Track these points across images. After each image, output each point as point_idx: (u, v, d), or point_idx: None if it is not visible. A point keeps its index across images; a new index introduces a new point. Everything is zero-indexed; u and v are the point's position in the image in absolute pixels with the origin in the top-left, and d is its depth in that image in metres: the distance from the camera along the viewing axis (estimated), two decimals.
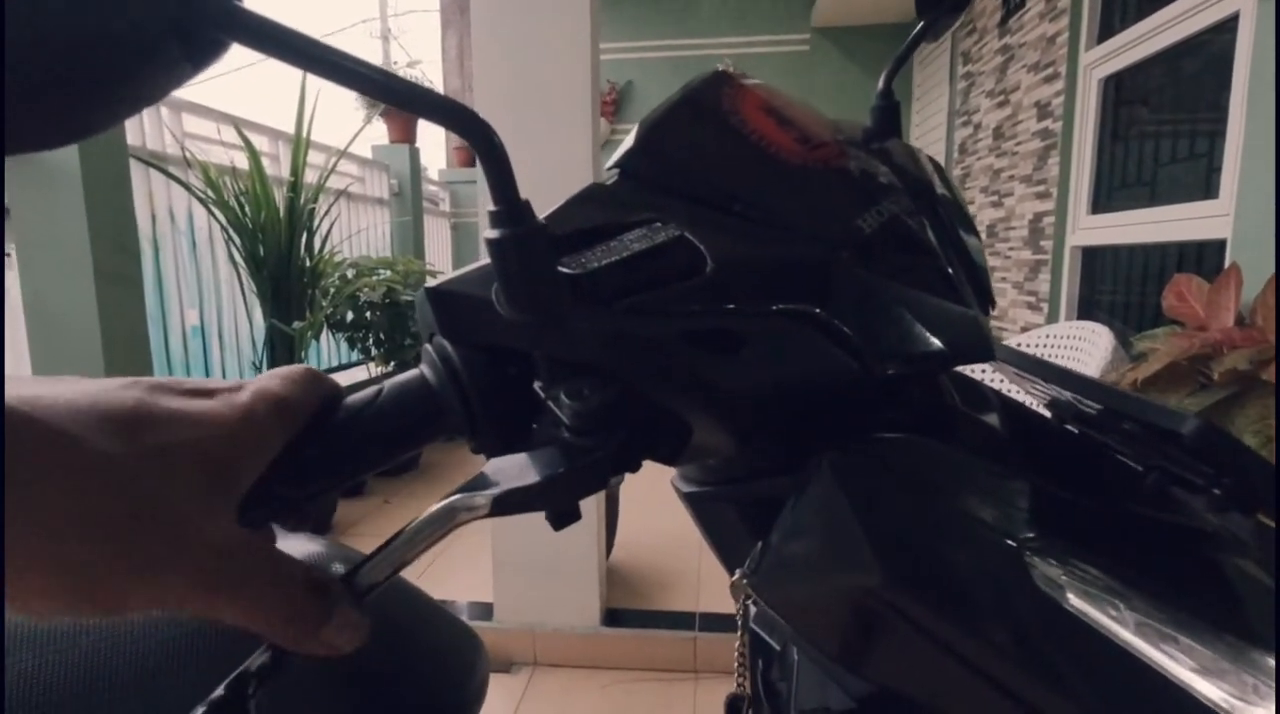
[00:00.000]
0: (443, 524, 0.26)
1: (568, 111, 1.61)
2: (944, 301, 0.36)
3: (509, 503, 0.26)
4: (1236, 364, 1.38)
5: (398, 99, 0.22)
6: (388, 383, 0.30)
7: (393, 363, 3.03)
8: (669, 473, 0.44)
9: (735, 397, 0.30)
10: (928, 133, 4.50)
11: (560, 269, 0.27)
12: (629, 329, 0.28)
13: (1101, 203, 2.48)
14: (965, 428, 0.39)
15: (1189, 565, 0.38)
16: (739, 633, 0.40)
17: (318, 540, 0.55)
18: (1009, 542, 0.29)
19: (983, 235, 3.43)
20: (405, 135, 4.62)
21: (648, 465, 0.32)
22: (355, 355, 3.56)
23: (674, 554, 2.30)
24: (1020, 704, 0.28)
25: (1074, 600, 0.29)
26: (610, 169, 0.34)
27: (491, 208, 0.24)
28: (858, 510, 0.27)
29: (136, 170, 2.30)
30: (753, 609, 0.44)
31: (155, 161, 2.48)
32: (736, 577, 0.39)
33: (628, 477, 0.32)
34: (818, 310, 0.30)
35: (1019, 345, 2.23)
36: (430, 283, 0.31)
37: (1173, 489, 0.40)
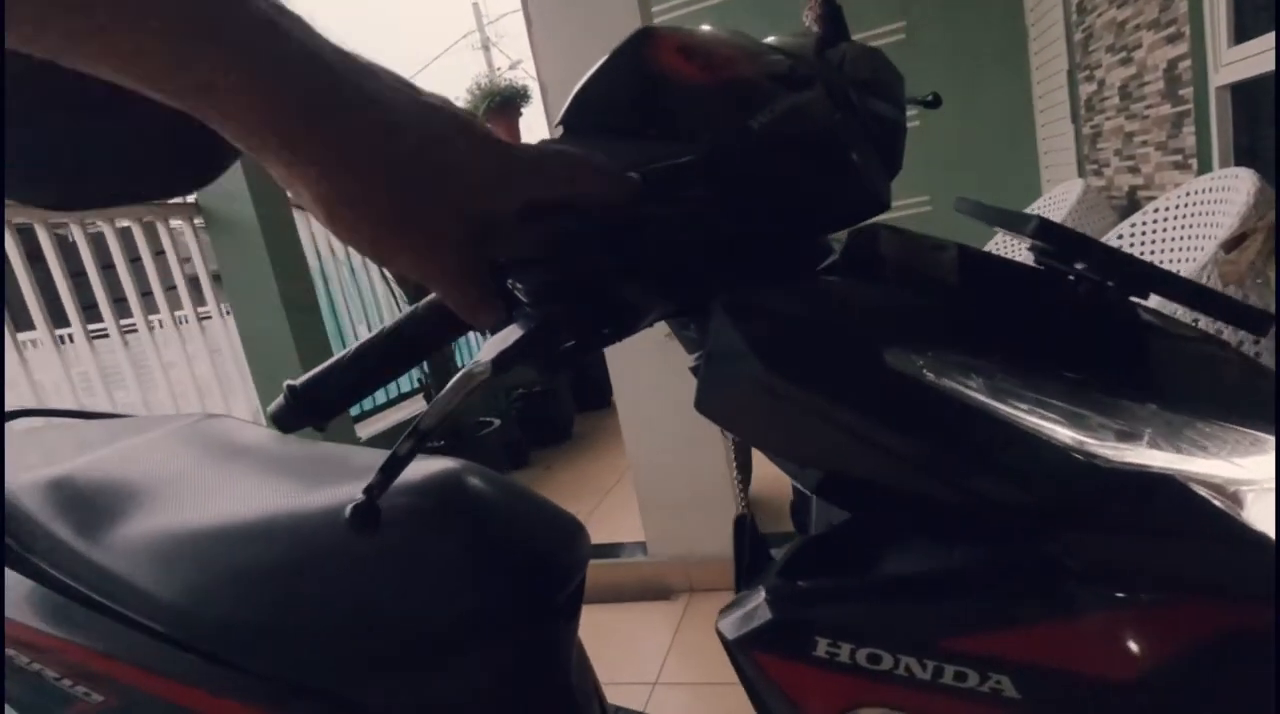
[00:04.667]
0: (465, 385, 0.39)
1: None
2: (833, 174, 0.44)
3: (504, 360, 0.38)
4: None
5: None
6: (409, 309, 0.43)
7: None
8: None
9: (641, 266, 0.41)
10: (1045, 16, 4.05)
11: None
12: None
13: (1247, 28, 2.15)
14: (882, 271, 0.46)
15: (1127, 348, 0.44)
16: (730, 461, 0.51)
17: (452, 460, 0.71)
18: (869, 339, 0.38)
19: (1115, 98, 3.08)
20: (511, 137, 4.92)
21: None
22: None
23: None
24: (890, 456, 0.36)
25: (927, 373, 0.37)
26: (556, 127, 0.45)
27: None
28: (738, 325, 0.37)
29: (298, 215, 2.70)
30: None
31: None
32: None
33: None
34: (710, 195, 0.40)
35: (1156, 211, 2.04)
36: None
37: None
